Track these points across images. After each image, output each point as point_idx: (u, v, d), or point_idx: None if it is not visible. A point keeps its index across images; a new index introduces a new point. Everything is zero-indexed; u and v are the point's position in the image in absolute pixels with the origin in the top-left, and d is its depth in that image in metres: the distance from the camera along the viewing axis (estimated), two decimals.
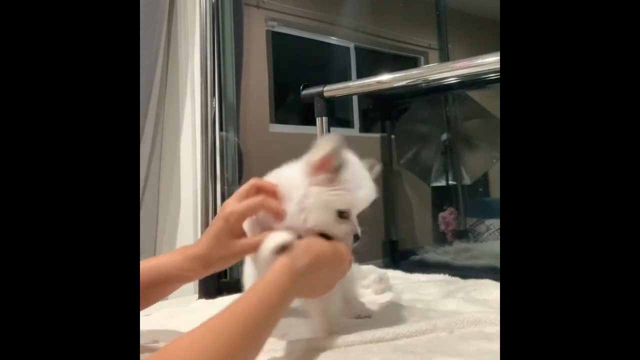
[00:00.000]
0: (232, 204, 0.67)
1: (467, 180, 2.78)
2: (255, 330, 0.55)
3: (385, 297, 1.05)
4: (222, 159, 1.60)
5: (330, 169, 0.64)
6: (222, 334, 0.52)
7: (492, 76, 1.38)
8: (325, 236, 0.67)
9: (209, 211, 1.57)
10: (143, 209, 1.62)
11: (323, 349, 0.71)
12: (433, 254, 2.51)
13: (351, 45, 2.99)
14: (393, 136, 2.81)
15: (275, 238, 0.64)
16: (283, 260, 0.61)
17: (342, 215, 0.68)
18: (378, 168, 0.75)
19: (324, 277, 0.66)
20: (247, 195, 0.67)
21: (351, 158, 0.68)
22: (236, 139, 1.66)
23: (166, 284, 0.72)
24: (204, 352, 0.48)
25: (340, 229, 0.68)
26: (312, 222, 0.66)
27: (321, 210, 0.66)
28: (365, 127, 3.01)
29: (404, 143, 2.81)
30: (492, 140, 2.59)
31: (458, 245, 2.57)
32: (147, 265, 0.70)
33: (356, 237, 0.70)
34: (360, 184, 0.69)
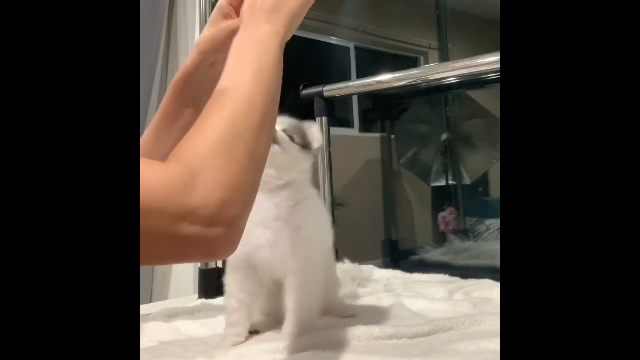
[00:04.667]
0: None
1: (467, 180, 2.79)
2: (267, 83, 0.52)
3: (386, 297, 1.05)
4: None
5: None
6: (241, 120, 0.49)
7: (492, 76, 1.38)
8: None
9: None
10: None
11: (323, 348, 0.71)
12: (433, 254, 2.51)
13: (351, 45, 2.99)
14: (393, 136, 2.81)
15: None
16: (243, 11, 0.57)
17: None
18: None
19: None
20: None
21: None
22: None
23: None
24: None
25: None
26: None
27: None
28: (365, 127, 3.01)
29: (404, 143, 2.81)
30: (492, 140, 2.59)
31: (458, 245, 2.58)
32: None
33: None
34: None
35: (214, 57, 0.66)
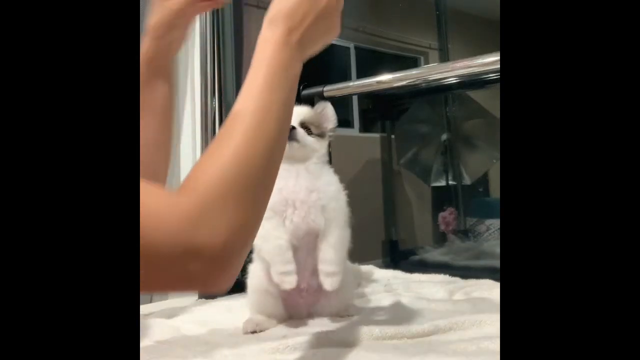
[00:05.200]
0: None
1: (467, 180, 2.78)
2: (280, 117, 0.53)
3: (386, 297, 1.05)
4: None
5: None
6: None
7: (492, 76, 1.38)
8: None
9: None
10: None
11: (323, 347, 0.71)
12: (433, 254, 2.51)
13: (351, 45, 2.98)
14: (393, 136, 2.80)
15: None
16: (276, 35, 0.56)
17: None
18: None
19: (321, 23, 0.60)
20: None
21: None
22: None
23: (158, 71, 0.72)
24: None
25: None
26: None
27: None
28: (365, 127, 3.01)
29: (404, 143, 2.81)
30: (492, 140, 2.59)
31: (458, 245, 2.57)
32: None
33: None
34: None
35: (169, 38, 0.70)
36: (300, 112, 0.89)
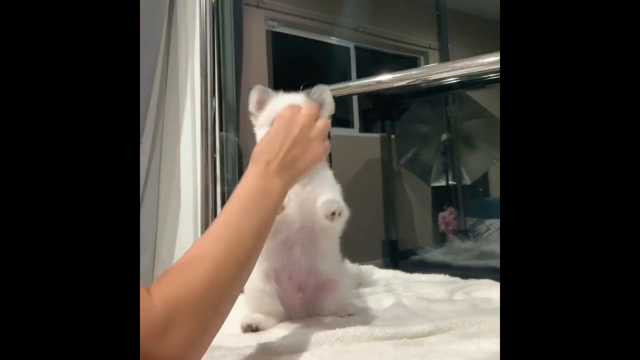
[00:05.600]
0: None
1: (467, 180, 2.78)
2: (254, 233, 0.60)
3: (386, 297, 1.05)
4: (222, 159, 1.60)
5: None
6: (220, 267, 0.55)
7: (492, 76, 1.38)
8: None
9: (209, 211, 1.57)
10: (143, 209, 1.61)
11: (322, 347, 0.71)
12: (433, 254, 2.51)
13: (351, 45, 2.99)
14: (393, 136, 2.80)
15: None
16: (254, 169, 0.66)
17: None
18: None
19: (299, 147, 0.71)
20: None
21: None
22: (236, 139, 1.66)
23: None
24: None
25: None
26: None
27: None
28: (365, 127, 3.01)
29: (404, 143, 2.81)
30: (492, 140, 2.59)
31: (458, 245, 2.57)
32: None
33: None
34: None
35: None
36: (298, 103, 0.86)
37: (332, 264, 0.90)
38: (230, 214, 0.60)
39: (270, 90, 0.90)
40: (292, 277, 0.88)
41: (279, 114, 0.75)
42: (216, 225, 0.59)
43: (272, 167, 0.67)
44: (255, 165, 0.67)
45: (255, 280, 0.89)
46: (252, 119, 0.91)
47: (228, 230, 0.58)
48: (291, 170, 0.69)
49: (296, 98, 0.88)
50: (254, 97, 0.89)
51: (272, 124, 0.81)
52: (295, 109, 0.75)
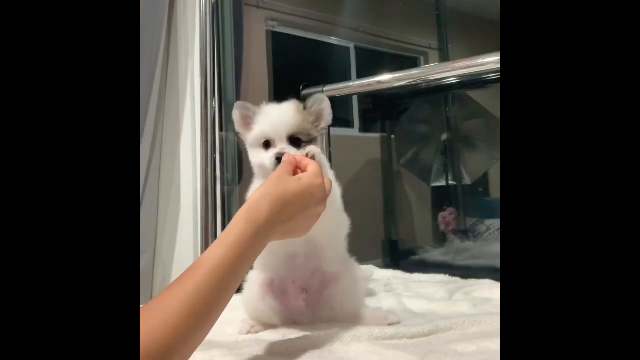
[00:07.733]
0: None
1: (467, 180, 2.78)
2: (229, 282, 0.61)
3: (386, 297, 1.05)
4: (222, 159, 1.60)
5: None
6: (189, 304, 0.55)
7: (492, 76, 1.38)
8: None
9: (209, 211, 1.57)
10: (143, 209, 1.61)
11: (322, 347, 0.71)
12: (433, 254, 2.51)
13: (351, 45, 2.98)
14: (393, 136, 2.80)
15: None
16: (242, 212, 0.64)
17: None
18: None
19: (298, 215, 0.68)
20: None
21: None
22: (236, 139, 1.66)
23: None
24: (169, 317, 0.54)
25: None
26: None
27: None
28: (365, 127, 3.01)
29: (404, 143, 2.81)
30: (492, 140, 2.59)
31: (458, 245, 2.57)
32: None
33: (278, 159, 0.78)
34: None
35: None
36: (289, 122, 0.80)
37: (338, 266, 0.87)
38: (211, 275, 0.58)
39: (249, 105, 0.86)
40: (295, 282, 0.87)
41: (312, 183, 0.69)
42: (196, 276, 0.58)
43: (274, 229, 0.65)
44: (253, 224, 0.63)
45: (256, 290, 0.87)
46: (242, 137, 0.88)
47: (202, 289, 0.57)
48: (288, 235, 0.69)
49: (282, 107, 0.84)
50: (236, 116, 0.86)
51: (262, 144, 0.81)
52: (322, 181, 0.71)
